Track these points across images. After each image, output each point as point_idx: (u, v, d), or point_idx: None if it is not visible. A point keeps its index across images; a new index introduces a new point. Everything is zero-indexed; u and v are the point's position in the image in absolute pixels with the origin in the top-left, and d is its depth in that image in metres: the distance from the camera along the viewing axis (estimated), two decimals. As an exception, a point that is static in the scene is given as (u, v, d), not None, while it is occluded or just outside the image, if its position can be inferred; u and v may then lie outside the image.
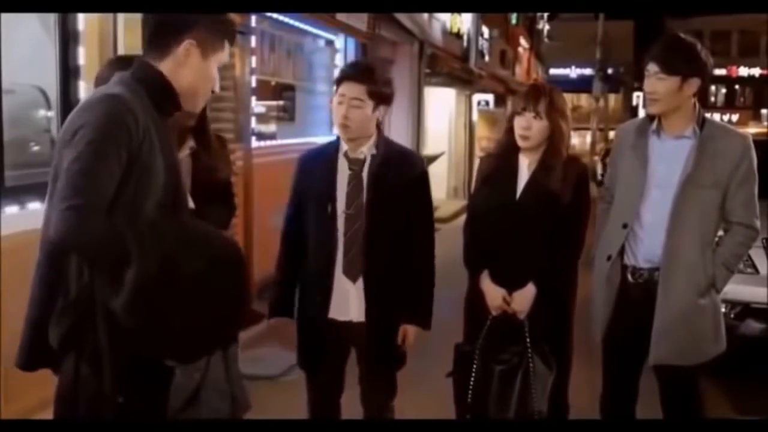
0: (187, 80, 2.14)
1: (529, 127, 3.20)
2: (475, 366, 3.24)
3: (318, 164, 3.12)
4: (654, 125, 3.22)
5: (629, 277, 3.22)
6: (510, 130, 3.29)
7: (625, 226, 3.20)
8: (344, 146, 3.08)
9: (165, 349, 2.05)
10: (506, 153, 3.33)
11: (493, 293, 3.27)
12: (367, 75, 3.03)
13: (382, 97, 3.04)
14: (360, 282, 3.04)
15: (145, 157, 2.02)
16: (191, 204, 2.88)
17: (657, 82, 3.11)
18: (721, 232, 3.26)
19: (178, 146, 2.94)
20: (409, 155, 3.27)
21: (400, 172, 3.07)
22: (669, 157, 3.17)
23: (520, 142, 3.25)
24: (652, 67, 3.13)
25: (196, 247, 2.04)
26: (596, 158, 17.71)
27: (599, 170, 14.80)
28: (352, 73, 3.07)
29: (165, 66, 2.12)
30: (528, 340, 3.20)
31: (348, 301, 3.06)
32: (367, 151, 3.06)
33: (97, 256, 1.98)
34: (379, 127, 3.12)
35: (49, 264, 2.09)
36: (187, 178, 2.93)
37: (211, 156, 3.02)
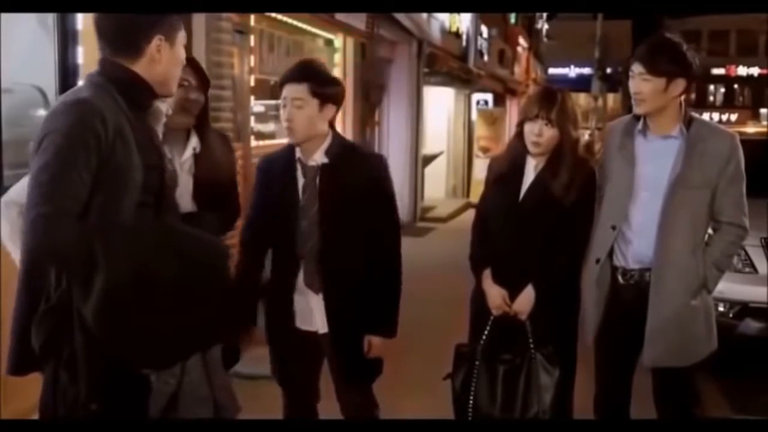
0: (162, 72, 2.17)
1: (540, 134, 3.19)
2: (477, 366, 3.24)
3: (276, 171, 3.06)
4: (640, 125, 3.20)
5: (619, 278, 3.22)
6: (519, 134, 3.29)
7: (614, 227, 3.19)
8: (298, 151, 3.00)
9: (137, 356, 2.01)
10: (515, 154, 3.32)
11: (493, 293, 3.27)
12: (307, 74, 2.93)
13: (326, 96, 2.93)
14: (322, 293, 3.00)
15: (119, 158, 2.01)
16: (191, 207, 2.86)
17: (642, 82, 3.09)
18: (710, 231, 3.25)
19: (180, 147, 2.90)
20: (366, 158, 3.17)
21: (356, 178, 2.96)
22: (656, 158, 3.16)
23: (531, 148, 3.24)
24: (636, 68, 3.11)
25: (172, 251, 2.00)
26: (596, 158, 17.64)
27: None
28: (292, 75, 2.97)
29: (139, 65, 2.13)
30: (531, 340, 3.20)
31: (312, 312, 3.02)
32: (319, 158, 2.97)
33: (67, 263, 1.96)
34: (333, 128, 3.03)
35: (30, 270, 2.09)
36: (189, 178, 2.90)
37: (215, 156, 2.97)
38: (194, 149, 2.91)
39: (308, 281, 2.99)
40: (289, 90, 2.93)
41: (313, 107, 2.91)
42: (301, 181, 2.99)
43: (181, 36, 2.21)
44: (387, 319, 3.05)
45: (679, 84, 3.09)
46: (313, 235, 2.95)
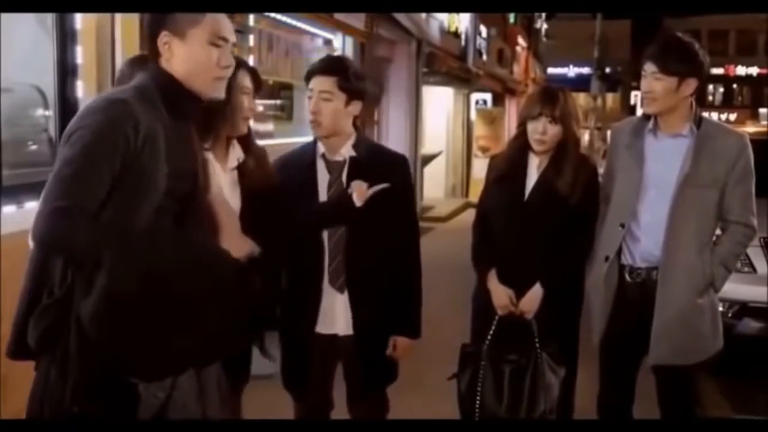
0: (181, 71, 2.11)
1: (545, 132, 3.19)
2: (482, 366, 3.24)
3: (296, 168, 2.98)
4: (650, 124, 3.21)
5: (627, 276, 3.22)
6: (522, 133, 3.29)
7: (622, 225, 3.19)
8: (321, 148, 2.96)
9: (128, 363, 1.96)
10: (517, 153, 3.32)
11: (499, 293, 3.27)
12: (335, 68, 2.90)
13: (353, 91, 2.88)
14: (347, 293, 2.93)
15: (145, 164, 2.00)
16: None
17: (654, 82, 3.10)
18: (718, 231, 3.26)
19: (223, 158, 2.78)
20: (391, 156, 3.13)
21: (382, 175, 2.90)
22: (666, 157, 3.16)
23: (536, 147, 3.24)
24: (649, 67, 3.12)
25: (180, 263, 1.96)
26: (595, 157, 17.70)
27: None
28: (320, 67, 2.93)
29: (163, 64, 2.11)
30: (537, 340, 3.21)
31: (334, 314, 2.94)
32: (346, 152, 2.93)
33: (77, 260, 1.95)
34: (357, 126, 2.99)
35: (38, 260, 2.08)
36: (235, 193, 2.77)
37: (258, 167, 2.83)
38: (238, 159, 2.78)
39: (333, 278, 2.92)
40: (317, 82, 2.89)
41: (340, 101, 2.88)
42: (325, 177, 2.94)
43: (202, 31, 2.10)
44: (412, 320, 3.04)
45: (691, 84, 3.10)
46: (339, 230, 2.91)
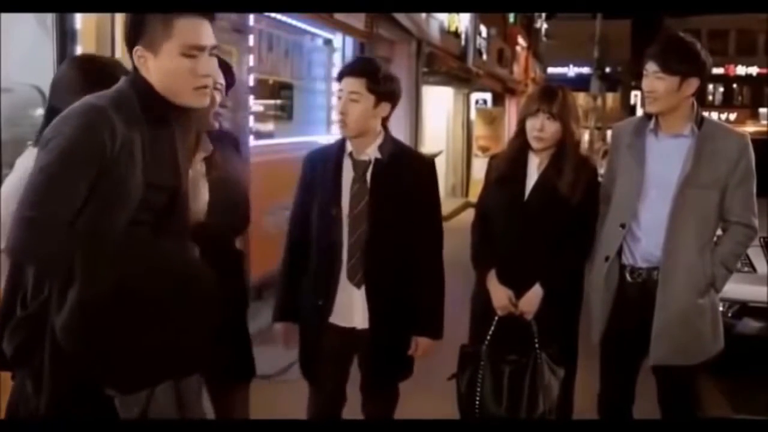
0: (158, 84, 2.06)
1: (542, 128, 3.19)
2: (482, 367, 3.24)
3: (323, 164, 3.04)
4: (651, 124, 3.21)
5: (627, 276, 3.22)
6: (521, 132, 3.29)
7: (623, 226, 3.19)
8: (349, 146, 3.01)
9: (102, 375, 1.94)
10: (516, 153, 3.32)
11: (499, 294, 3.27)
12: (365, 69, 2.96)
13: (382, 93, 2.94)
14: (364, 288, 2.97)
15: (122, 172, 1.96)
16: (204, 214, 2.73)
17: (656, 81, 3.11)
18: (719, 232, 3.26)
19: (192, 151, 2.75)
20: (417, 159, 3.19)
21: (407, 177, 2.98)
22: (667, 157, 3.16)
23: (534, 144, 3.24)
24: (651, 67, 3.12)
25: (157, 274, 1.94)
26: (595, 157, 17.70)
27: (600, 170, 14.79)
28: (351, 68, 3.01)
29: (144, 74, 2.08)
30: (536, 340, 3.20)
31: (352, 308, 2.98)
32: (372, 153, 2.97)
33: (50, 270, 1.93)
34: (386, 127, 3.03)
35: (13, 269, 2.08)
36: (204, 184, 2.78)
37: (228, 157, 2.87)
38: (205, 152, 2.81)
39: (351, 275, 2.96)
40: (346, 83, 2.95)
41: (369, 103, 2.92)
42: (350, 174, 2.98)
43: (174, 44, 2.03)
44: (434, 322, 3.06)
45: (693, 83, 3.10)
46: (360, 227, 2.94)
